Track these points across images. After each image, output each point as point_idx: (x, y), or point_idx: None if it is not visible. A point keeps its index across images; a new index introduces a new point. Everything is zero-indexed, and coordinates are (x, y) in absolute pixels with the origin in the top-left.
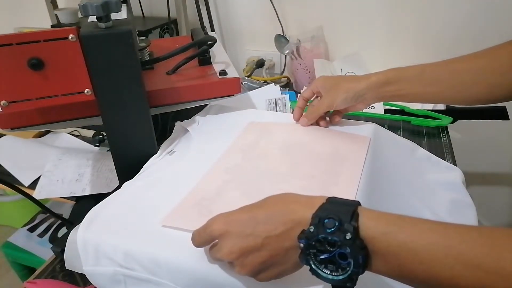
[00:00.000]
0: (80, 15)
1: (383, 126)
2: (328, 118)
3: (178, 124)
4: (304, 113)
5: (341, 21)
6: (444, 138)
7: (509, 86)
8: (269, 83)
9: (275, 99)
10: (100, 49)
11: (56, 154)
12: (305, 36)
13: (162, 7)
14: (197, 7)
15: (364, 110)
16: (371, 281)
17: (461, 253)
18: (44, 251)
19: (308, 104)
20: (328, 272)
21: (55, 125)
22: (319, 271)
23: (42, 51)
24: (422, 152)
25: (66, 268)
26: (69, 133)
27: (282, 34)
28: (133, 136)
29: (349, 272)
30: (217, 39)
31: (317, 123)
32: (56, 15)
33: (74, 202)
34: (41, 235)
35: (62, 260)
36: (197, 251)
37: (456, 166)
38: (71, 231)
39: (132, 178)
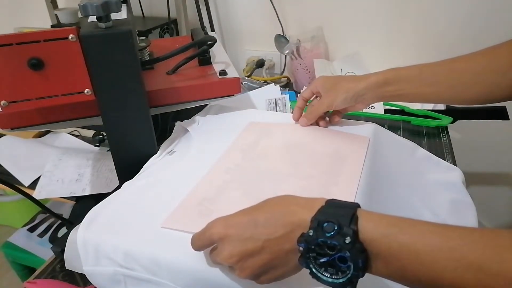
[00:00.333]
0: (80, 15)
1: (383, 126)
2: (327, 118)
3: (178, 124)
4: (303, 113)
5: (341, 21)
6: (444, 138)
7: (508, 86)
8: (269, 83)
9: (275, 99)
10: (100, 49)
11: (56, 154)
12: (305, 36)
13: (162, 7)
14: (197, 7)
15: (364, 110)
16: (371, 283)
17: (463, 255)
18: (44, 251)
19: (307, 104)
20: (328, 275)
21: (55, 125)
22: (319, 275)
23: (42, 51)
24: (422, 152)
25: (66, 268)
26: (69, 133)
27: (282, 34)
28: (133, 136)
29: (349, 275)
30: (217, 39)
31: (316, 123)
32: (56, 15)
33: (74, 202)
34: (41, 235)
35: (62, 260)
36: (197, 252)
37: (456, 166)
38: (71, 231)
39: (132, 178)
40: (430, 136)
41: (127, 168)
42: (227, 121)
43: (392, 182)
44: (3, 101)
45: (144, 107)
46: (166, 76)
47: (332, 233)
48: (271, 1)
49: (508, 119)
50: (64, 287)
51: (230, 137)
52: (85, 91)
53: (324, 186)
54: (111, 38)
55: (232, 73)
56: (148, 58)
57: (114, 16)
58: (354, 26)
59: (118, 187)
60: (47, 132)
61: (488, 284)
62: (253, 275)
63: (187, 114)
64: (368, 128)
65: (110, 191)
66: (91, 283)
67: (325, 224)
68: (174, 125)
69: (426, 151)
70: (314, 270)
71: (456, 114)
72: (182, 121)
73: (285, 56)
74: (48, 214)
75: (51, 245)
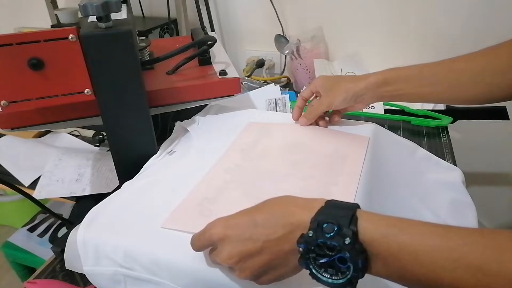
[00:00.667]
0: (80, 15)
1: (383, 126)
2: (327, 118)
3: (178, 124)
4: (303, 113)
5: (341, 21)
6: (444, 138)
7: (508, 86)
8: (269, 83)
9: (275, 99)
10: (100, 49)
11: (56, 154)
12: (305, 36)
13: (162, 7)
14: (197, 7)
15: (364, 110)
16: (371, 283)
17: (463, 256)
18: (44, 251)
19: (307, 104)
20: (328, 276)
21: (55, 125)
22: (319, 275)
23: (42, 51)
24: (422, 152)
25: (66, 268)
26: (69, 133)
27: (282, 34)
28: (133, 136)
29: (348, 276)
30: (217, 39)
31: (316, 123)
32: (56, 15)
33: (74, 202)
34: (41, 235)
35: (62, 260)
36: (197, 252)
37: (456, 166)
38: (71, 231)
39: (132, 178)
40: (430, 136)
41: (127, 168)
42: (227, 121)
43: (392, 182)
44: (3, 101)
45: (144, 107)
46: (166, 76)
47: (331, 234)
48: (271, 1)
49: (508, 119)
50: (64, 287)
51: (230, 137)
52: (85, 91)
53: (323, 186)
54: (111, 38)
55: (232, 73)
56: (148, 58)
57: (114, 16)
58: (354, 26)
59: (118, 187)
60: (47, 132)
61: (487, 284)
62: (252, 276)
63: (187, 114)
64: (368, 128)
65: (110, 191)
66: (91, 283)
67: (325, 225)
68: (174, 125)
69: (426, 151)
70: (314, 270)
71: (456, 114)
72: (182, 121)
73: (285, 56)
74: (48, 214)
75: (51, 245)
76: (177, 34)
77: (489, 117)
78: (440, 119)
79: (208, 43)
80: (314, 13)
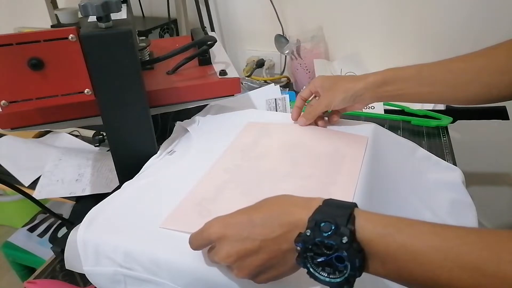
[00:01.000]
0: (80, 15)
1: (383, 126)
2: (326, 118)
3: (178, 124)
4: (302, 113)
5: (341, 21)
6: (444, 138)
7: (507, 86)
8: (269, 83)
9: (275, 99)
10: (100, 49)
11: (56, 154)
12: (305, 36)
13: (162, 7)
14: (197, 7)
15: (364, 110)
16: (371, 283)
17: (460, 256)
18: (44, 251)
19: (306, 104)
20: (326, 275)
21: (55, 125)
22: (317, 274)
23: (42, 51)
24: (422, 152)
25: (66, 268)
26: (69, 133)
27: (282, 34)
28: (133, 136)
29: (346, 275)
30: (217, 39)
31: (315, 123)
32: (56, 15)
33: (74, 202)
34: (41, 235)
35: (62, 260)
36: (197, 251)
37: (456, 166)
38: (71, 231)
39: (132, 178)
40: (430, 136)
41: (127, 168)
42: (227, 121)
43: (392, 182)
44: (3, 101)
45: (144, 107)
46: (166, 76)
47: (329, 233)
48: (271, 1)
49: (508, 119)
50: (64, 287)
51: (230, 137)
52: (85, 91)
53: (323, 185)
54: (111, 38)
55: (232, 73)
56: (148, 58)
57: (114, 16)
58: (354, 26)
59: (118, 187)
60: (47, 132)
61: (484, 284)
62: (250, 275)
63: (187, 114)
64: (368, 128)
65: (110, 191)
66: (91, 283)
67: (322, 224)
68: (174, 125)
69: (426, 151)
70: (311, 269)
71: (456, 114)
72: (182, 121)
73: (285, 56)
74: (48, 214)
75: (51, 245)
76: (177, 34)
77: (489, 117)
78: (440, 119)
79: (208, 43)
80: (314, 13)
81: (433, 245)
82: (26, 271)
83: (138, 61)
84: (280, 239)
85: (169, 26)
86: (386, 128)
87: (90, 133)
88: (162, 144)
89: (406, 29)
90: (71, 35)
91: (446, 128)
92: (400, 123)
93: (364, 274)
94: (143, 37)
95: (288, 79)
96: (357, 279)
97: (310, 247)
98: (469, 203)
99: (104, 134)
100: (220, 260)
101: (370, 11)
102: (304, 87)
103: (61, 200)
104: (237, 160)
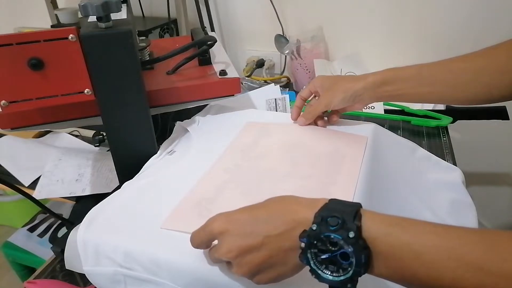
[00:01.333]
0: (80, 15)
1: (383, 126)
2: (326, 118)
3: (178, 124)
4: (302, 113)
5: (341, 21)
6: (444, 138)
7: (507, 86)
8: (269, 83)
9: (275, 99)
10: (100, 49)
11: (56, 154)
12: (305, 36)
13: (162, 7)
14: (197, 7)
15: (364, 110)
16: (372, 284)
17: (463, 255)
18: (44, 251)
19: (306, 104)
20: (329, 273)
21: (55, 125)
22: (319, 271)
23: (42, 51)
24: (422, 152)
25: (66, 268)
26: (69, 133)
27: (282, 34)
28: (133, 136)
29: (350, 272)
30: (217, 39)
31: (315, 123)
32: (56, 15)
33: (74, 202)
34: (41, 235)
35: (62, 260)
36: (197, 251)
37: (456, 166)
38: (71, 231)
39: (132, 178)
40: (430, 136)
41: (127, 168)
42: (227, 121)
43: (392, 182)
44: (3, 101)
45: (144, 107)
46: (166, 76)
47: (336, 227)
48: (271, 1)
49: (508, 119)
50: (64, 287)
51: (230, 137)
52: (85, 91)
53: (322, 185)
54: (111, 38)
55: (232, 73)
56: (148, 58)
57: (114, 16)
58: (354, 26)
59: (118, 187)
60: (47, 132)
61: (488, 284)
62: (249, 273)
63: (187, 114)
64: (367, 128)
65: (110, 191)
66: (91, 283)
67: (329, 218)
68: (174, 125)
69: (426, 151)
70: (314, 266)
71: (456, 114)
72: (182, 121)
73: (285, 56)
74: (48, 214)
75: (51, 245)
76: (177, 34)
77: (489, 117)
78: (440, 119)
79: (208, 43)
80: (314, 13)
81: (436, 245)
82: (26, 271)
83: (138, 61)
84: (283, 237)
85: (169, 26)
86: (386, 128)
87: (90, 133)
88: (162, 144)
89: (406, 29)
90: (71, 35)
91: (446, 128)
92: (400, 123)
93: (366, 275)
94: (143, 37)
95: (288, 79)
96: (359, 281)
97: (315, 242)
98: (469, 203)
99: (104, 134)
100: (221, 255)
101: (370, 11)
102: (304, 87)
103: (61, 200)
104: (237, 160)
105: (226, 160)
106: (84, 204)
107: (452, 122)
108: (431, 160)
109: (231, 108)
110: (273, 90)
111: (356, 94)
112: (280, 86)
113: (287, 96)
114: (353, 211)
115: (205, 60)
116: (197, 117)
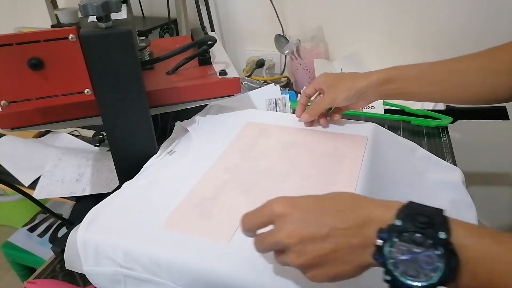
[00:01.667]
0: (80, 15)
1: (383, 126)
2: (328, 117)
3: (178, 124)
4: (305, 110)
5: (341, 21)
6: (444, 138)
7: (509, 87)
8: (269, 83)
9: (275, 99)
10: (100, 49)
11: (56, 154)
12: (305, 36)
13: (162, 7)
14: (197, 7)
15: (364, 110)
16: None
17: None
18: (44, 251)
19: (309, 104)
20: (406, 277)
21: (55, 125)
22: (396, 273)
23: (42, 51)
24: (422, 152)
25: (66, 268)
26: (69, 133)
27: (282, 34)
28: (133, 136)
29: (435, 278)
30: (217, 39)
31: (317, 120)
32: (56, 15)
33: (74, 202)
34: (41, 235)
35: (62, 260)
36: (197, 251)
37: (456, 166)
38: (71, 231)
39: (132, 178)
40: (430, 136)
41: (127, 168)
42: (227, 121)
43: (392, 182)
44: (3, 101)
45: (144, 107)
46: (166, 76)
47: (424, 224)
48: (271, 1)
49: (508, 119)
50: (64, 287)
51: (230, 137)
52: (85, 91)
53: (322, 185)
54: (111, 38)
55: (232, 73)
56: (148, 58)
57: (114, 16)
58: (354, 26)
59: (118, 187)
60: (47, 132)
61: None
62: (308, 265)
63: (187, 114)
64: (368, 128)
65: (110, 191)
66: (91, 283)
67: (417, 215)
68: (174, 125)
69: (426, 151)
70: (391, 267)
71: (456, 114)
72: (182, 121)
73: (285, 56)
74: (48, 214)
75: (51, 245)
76: (177, 34)
77: (489, 117)
78: (440, 119)
79: (208, 43)
80: (314, 13)
81: None
82: (26, 271)
83: (138, 61)
84: (351, 232)
85: (169, 26)
86: (386, 128)
87: (90, 133)
88: (162, 144)
89: (406, 29)
90: (71, 35)
91: (446, 128)
92: (400, 123)
93: (365, 276)
94: (143, 37)
95: (288, 79)
96: (360, 281)
97: (396, 240)
98: (469, 203)
99: (104, 134)
100: (278, 239)
101: (370, 11)
102: (308, 83)
103: (61, 200)
104: (237, 160)
105: (226, 160)
106: (84, 204)
107: (452, 122)
108: (431, 160)
109: (231, 108)
110: (273, 90)
111: (360, 92)
112: (280, 86)
113: (287, 96)
114: (439, 212)
115: (205, 60)
116: (197, 117)
